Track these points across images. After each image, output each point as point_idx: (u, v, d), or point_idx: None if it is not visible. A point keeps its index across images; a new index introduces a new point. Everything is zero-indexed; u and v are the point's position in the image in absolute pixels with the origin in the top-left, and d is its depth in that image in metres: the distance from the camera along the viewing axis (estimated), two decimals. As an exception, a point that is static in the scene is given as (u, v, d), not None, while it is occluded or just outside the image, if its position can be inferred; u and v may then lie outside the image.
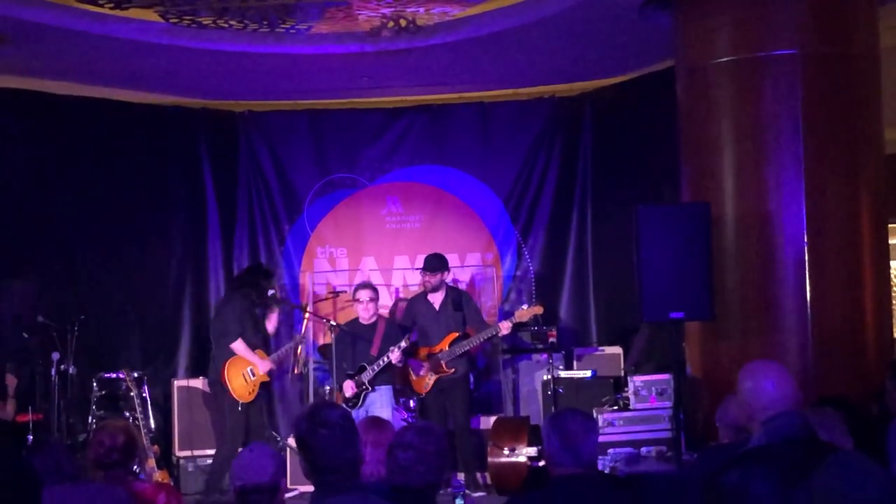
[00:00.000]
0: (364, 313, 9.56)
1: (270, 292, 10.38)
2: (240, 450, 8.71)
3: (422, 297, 9.73)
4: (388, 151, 11.59)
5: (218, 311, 9.59)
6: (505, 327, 9.42)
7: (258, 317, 9.42)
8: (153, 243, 11.15)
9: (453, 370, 9.41)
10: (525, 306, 9.65)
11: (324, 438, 3.38)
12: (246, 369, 9.13)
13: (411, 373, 9.62)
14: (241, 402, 9.09)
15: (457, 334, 9.49)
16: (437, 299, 9.63)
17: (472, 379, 9.89)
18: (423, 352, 9.55)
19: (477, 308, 9.93)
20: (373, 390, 9.39)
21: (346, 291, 10.67)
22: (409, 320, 9.76)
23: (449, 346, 9.44)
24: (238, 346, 9.12)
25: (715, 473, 3.51)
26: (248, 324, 9.24)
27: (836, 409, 4.58)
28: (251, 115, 11.60)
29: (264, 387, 9.48)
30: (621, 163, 10.92)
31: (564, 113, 11.45)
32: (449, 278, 10.04)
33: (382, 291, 11.31)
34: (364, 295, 9.59)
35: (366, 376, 9.33)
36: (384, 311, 10.90)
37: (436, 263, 9.64)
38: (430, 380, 9.44)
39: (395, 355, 9.22)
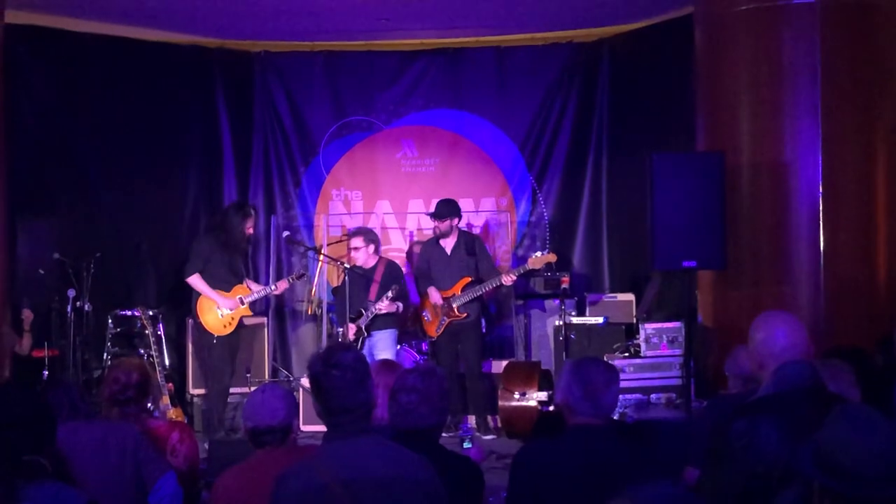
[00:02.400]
0: (358, 259, 9.61)
1: (285, 234, 10.44)
2: (227, 385, 8.94)
3: (434, 241, 9.75)
4: (403, 95, 11.55)
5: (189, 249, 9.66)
6: (508, 279, 9.45)
7: (229, 255, 9.37)
8: (169, 182, 11.16)
9: (465, 314, 9.45)
10: (538, 253, 9.67)
11: (336, 380, 3.41)
12: (216, 304, 9.18)
13: (423, 316, 9.67)
14: (216, 335, 9.15)
15: (469, 279, 9.52)
16: (448, 244, 9.65)
17: (483, 323, 9.93)
18: (436, 294, 9.55)
19: (489, 254, 9.95)
20: (369, 335, 9.43)
21: (348, 236, 10.69)
22: (423, 264, 9.79)
23: (461, 291, 9.47)
24: (193, 280, 9.20)
25: (723, 422, 3.54)
26: (214, 261, 9.24)
27: (844, 360, 4.59)
28: (267, 55, 11.56)
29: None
30: (638, 110, 10.87)
31: (582, 58, 11.38)
32: (463, 223, 10.04)
33: (397, 235, 11.35)
34: (354, 242, 9.66)
35: (363, 321, 9.38)
36: (398, 255, 10.94)
37: (443, 210, 9.64)
38: (443, 323, 9.49)
39: (382, 305, 9.28)
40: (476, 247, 9.72)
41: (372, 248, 9.70)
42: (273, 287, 9.60)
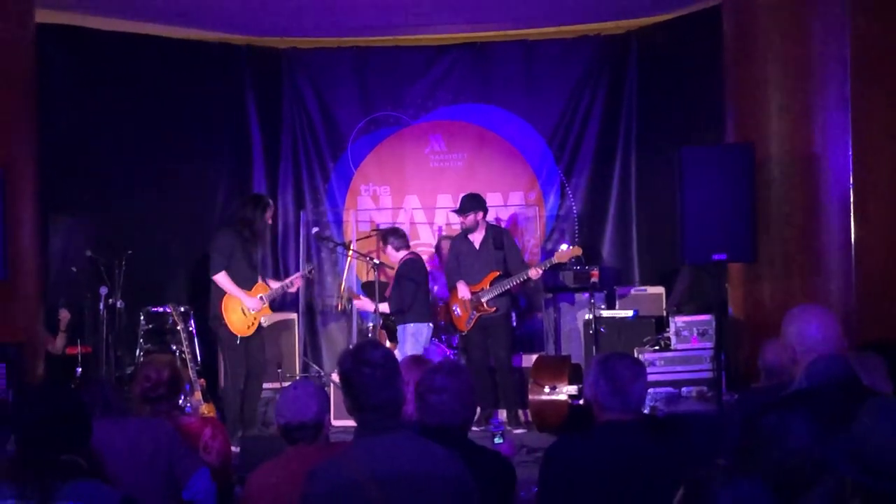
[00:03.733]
0: (392, 261, 9.63)
1: (314, 231, 10.42)
2: (241, 388, 8.82)
3: (463, 236, 9.75)
4: (431, 89, 11.57)
5: (209, 245, 9.20)
6: (534, 273, 9.42)
7: (249, 251, 8.98)
8: (199, 179, 11.23)
9: (494, 308, 9.45)
10: (564, 247, 9.65)
11: (367, 377, 3.43)
12: (243, 303, 8.87)
13: (453, 310, 9.68)
14: (238, 336, 8.81)
15: (497, 273, 9.51)
16: (477, 239, 9.65)
17: (514, 317, 9.93)
18: (468, 289, 9.54)
19: (517, 248, 9.90)
20: (401, 325, 9.51)
21: (394, 225, 10.70)
22: (452, 259, 9.79)
23: (490, 285, 9.47)
24: (220, 278, 8.80)
25: (754, 415, 3.53)
26: (236, 258, 8.85)
27: (877, 353, 4.56)
28: (295, 52, 11.61)
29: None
30: (666, 102, 10.83)
31: (610, 51, 11.36)
32: (491, 217, 10.02)
33: (425, 229, 11.37)
34: (384, 248, 9.65)
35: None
36: (427, 250, 10.95)
37: (466, 204, 9.62)
38: (472, 317, 9.49)
39: (358, 303, 9.61)
40: (504, 240, 9.70)
41: (389, 247, 9.66)
42: (289, 283, 9.34)
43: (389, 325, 9.74)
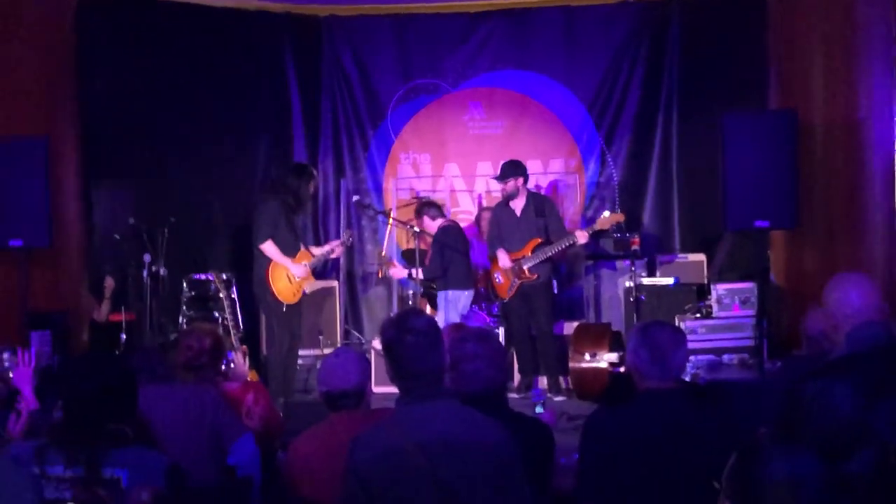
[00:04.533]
0: (430, 229, 9.63)
1: (355, 198, 10.44)
2: (285, 354, 8.88)
3: (504, 203, 9.70)
4: (470, 56, 11.52)
5: (255, 214, 9.16)
6: (581, 236, 9.34)
7: (293, 220, 8.98)
8: (240, 147, 11.27)
9: (535, 276, 9.43)
10: (606, 213, 9.59)
11: (410, 345, 3.45)
12: (289, 270, 8.89)
13: (495, 278, 9.67)
14: (285, 303, 8.84)
15: (539, 240, 9.47)
16: (518, 206, 9.60)
17: (555, 284, 9.90)
18: (508, 257, 9.52)
19: (559, 215, 9.84)
20: (439, 291, 9.54)
21: (428, 197, 10.70)
22: (494, 227, 9.76)
23: (531, 253, 9.45)
24: (267, 247, 8.80)
25: (796, 383, 3.52)
26: (281, 227, 8.84)
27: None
28: (335, 19, 11.59)
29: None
30: (708, 68, 10.72)
31: (651, 17, 11.25)
32: (531, 185, 9.98)
33: (465, 197, 11.36)
34: (417, 225, 9.64)
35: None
36: (467, 218, 10.95)
37: (507, 170, 9.55)
38: (514, 285, 9.48)
39: (393, 271, 9.67)
40: (546, 207, 9.64)
41: (426, 218, 9.66)
42: (329, 251, 9.34)
43: (430, 293, 9.77)
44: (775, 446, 2.50)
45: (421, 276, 9.41)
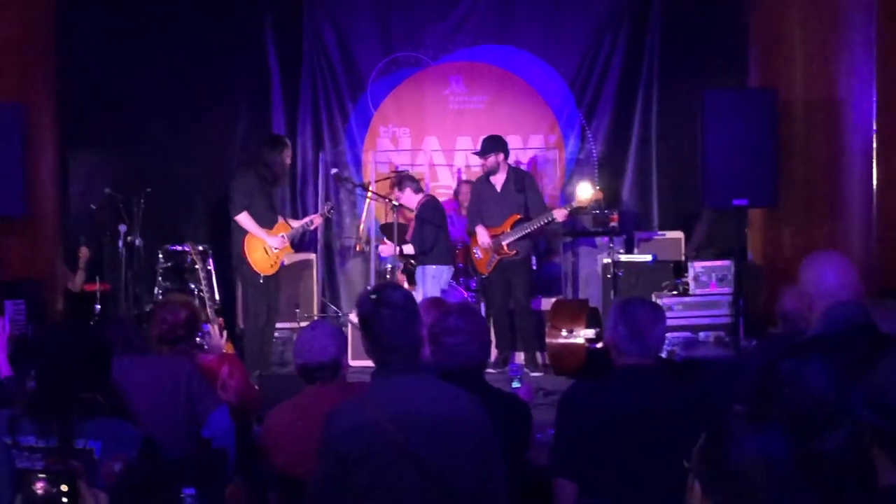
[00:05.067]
0: (409, 204, 9.60)
1: (333, 171, 10.40)
2: (263, 327, 8.86)
3: (484, 178, 9.68)
4: (452, 30, 11.48)
5: (230, 186, 9.12)
6: (560, 214, 9.33)
7: (269, 191, 8.96)
8: (218, 118, 11.22)
9: (514, 252, 9.42)
10: (589, 191, 9.55)
11: (386, 319, 3.44)
12: (265, 242, 8.86)
13: (474, 253, 9.66)
14: (261, 274, 8.82)
15: (518, 216, 9.45)
16: (498, 181, 9.58)
17: (534, 260, 9.90)
18: (487, 233, 9.49)
19: (539, 191, 9.82)
20: (416, 267, 9.51)
21: (407, 171, 10.66)
22: (474, 202, 9.74)
23: (510, 229, 9.44)
24: (242, 218, 8.78)
25: (771, 361, 3.53)
26: (257, 198, 8.82)
27: (897, 300, 4.54)
28: (316, -10, 11.54)
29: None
30: (689, 45, 10.72)
31: (633, -7, 11.26)
32: (511, 160, 9.96)
33: (444, 172, 11.34)
34: (396, 194, 9.60)
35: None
36: (446, 192, 10.93)
37: (487, 146, 9.52)
38: (493, 260, 9.48)
39: (382, 248, 9.43)
40: (526, 183, 9.61)
41: (408, 190, 9.60)
42: (308, 222, 9.35)
43: (410, 269, 9.75)
44: (744, 425, 2.50)
45: (411, 250, 9.40)
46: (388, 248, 9.58)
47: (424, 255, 9.42)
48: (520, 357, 9.59)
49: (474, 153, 9.98)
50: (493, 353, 9.51)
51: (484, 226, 9.51)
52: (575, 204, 9.45)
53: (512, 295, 9.56)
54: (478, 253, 9.59)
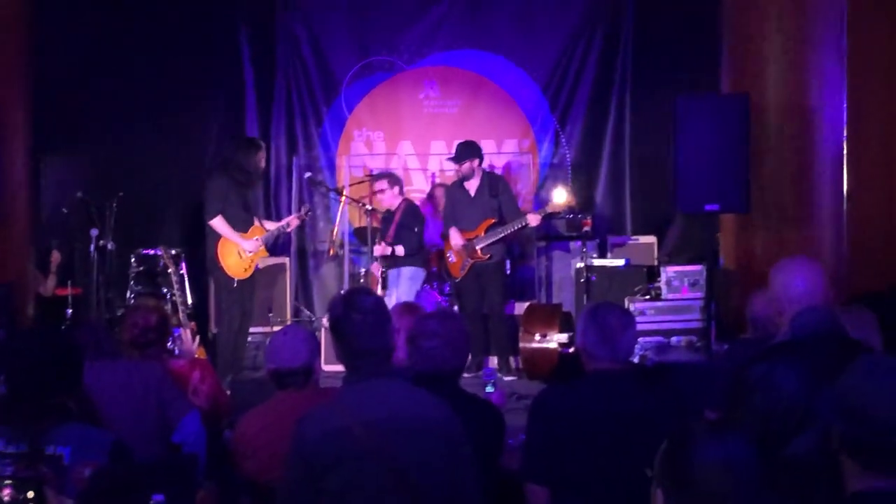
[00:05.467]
0: (383, 202, 9.62)
1: (307, 175, 10.38)
2: (236, 331, 8.81)
3: (459, 183, 9.68)
4: (426, 35, 11.48)
5: (204, 190, 9.03)
6: (533, 219, 9.32)
7: (244, 194, 8.84)
8: (192, 121, 11.17)
9: (488, 256, 9.43)
10: (562, 196, 9.54)
11: (357, 324, 3.44)
12: (239, 246, 8.77)
13: (448, 257, 9.66)
14: (235, 279, 8.74)
15: (492, 221, 9.46)
16: (472, 186, 9.59)
17: (508, 265, 9.91)
18: (461, 236, 9.50)
19: (513, 196, 9.82)
20: (385, 274, 9.48)
21: (371, 178, 10.66)
22: (448, 207, 9.75)
23: (484, 233, 9.45)
24: (216, 222, 8.68)
25: (742, 366, 3.55)
26: (231, 201, 8.73)
27: (868, 306, 4.57)
28: (290, -7, 11.52)
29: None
30: (663, 51, 10.77)
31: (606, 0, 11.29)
32: (486, 165, 9.97)
33: (418, 176, 11.33)
34: (379, 185, 9.65)
35: (378, 261, 9.45)
36: (420, 196, 10.92)
37: (462, 151, 9.53)
38: (466, 264, 9.48)
39: (376, 250, 9.32)
40: (500, 188, 9.62)
41: (396, 189, 9.67)
42: (285, 225, 9.26)
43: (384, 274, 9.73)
44: (705, 431, 2.50)
45: (401, 251, 9.39)
46: (381, 249, 9.50)
47: (391, 258, 9.43)
48: (493, 362, 9.60)
49: (449, 159, 9.98)
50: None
51: (458, 230, 9.52)
52: (549, 209, 9.47)
53: (486, 299, 9.57)
54: (451, 256, 9.60)
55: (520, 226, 9.37)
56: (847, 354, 2.82)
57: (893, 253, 7.98)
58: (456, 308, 9.65)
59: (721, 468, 2.42)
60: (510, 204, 9.60)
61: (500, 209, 9.52)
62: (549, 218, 9.74)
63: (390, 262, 9.48)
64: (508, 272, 9.94)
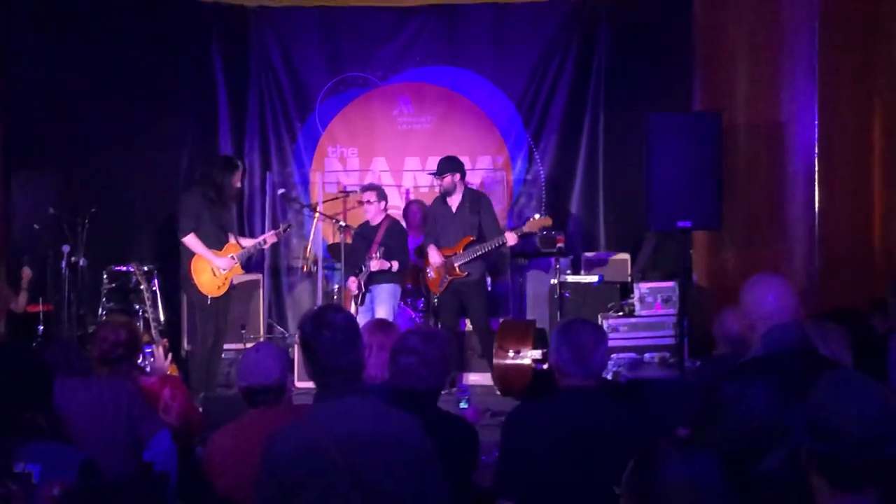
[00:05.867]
0: (368, 214, 9.62)
1: (280, 191, 10.36)
2: (209, 349, 8.76)
3: (441, 199, 9.66)
4: (400, 51, 11.51)
5: (177, 207, 9.04)
6: (511, 238, 9.26)
7: (218, 211, 8.80)
8: (164, 137, 11.13)
9: (466, 273, 9.41)
10: (536, 216, 9.54)
11: (326, 341, 3.43)
12: (212, 263, 8.73)
13: (427, 272, 9.64)
14: (209, 296, 8.71)
15: (471, 238, 9.44)
16: (454, 202, 9.56)
17: (488, 281, 9.90)
18: (439, 253, 9.49)
19: (493, 213, 9.73)
20: (368, 290, 9.46)
21: (355, 191, 10.66)
22: (431, 222, 9.73)
23: (463, 250, 9.43)
24: (189, 240, 8.66)
25: (713, 383, 3.56)
26: (205, 219, 8.70)
27: (838, 322, 4.60)
28: (263, 10, 11.50)
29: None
30: (636, 68, 10.82)
31: (580, 16, 11.33)
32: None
33: (392, 192, 11.31)
34: (368, 196, 9.64)
35: (361, 277, 9.40)
36: (395, 212, 10.91)
37: (443, 166, 9.53)
38: (445, 281, 9.47)
39: (373, 263, 9.29)
40: (482, 205, 9.58)
41: (382, 204, 9.65)
42: (262, 241, 9.23)
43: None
44: (671, 449, 2.51)
45: (396, 267, 9.37)
46: (379, 263, 9.40)
47: (387, 274, 9.41)
48: (469, 378, 9.58)
49: (430, 173, 9.97)
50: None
51: (437, 246, 9.50)
52: (525, 228, 9.42)
53: (470, 316, 9.56)
54: (430, 273, 9.58)
55: (497, 244, 9.35)
56: (817, 371, 2.83)
57: (864, 269, 8.02)
58: (430, 324, 9.63)
59: (686, 486, 2.42)
60: (490, 222, 9.55)
61: (480, 226, 9.50)
62: (525, 237, 9.72)
63: (370, 278, 9.45)
64: (490, 288, 9.94)
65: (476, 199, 9.62)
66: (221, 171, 8.82)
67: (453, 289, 9.48)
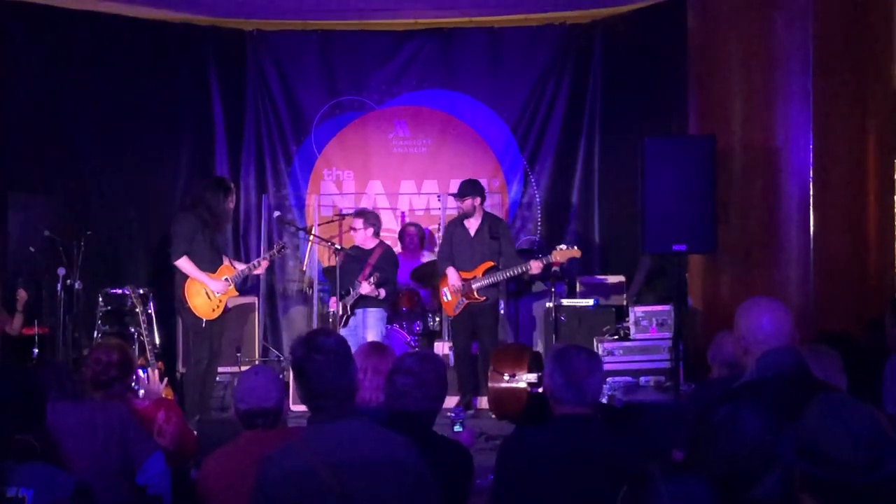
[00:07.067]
0: (355, 239, 9.59)
1: (276, 214, 10.36)
2: (204, 371, 8.72)
3: (458, 221, 9.64)
4: (396, 75, 11.55)
5: (171, 229, 8.96)
6: (535, 266, 9.21)
7: (211, 234, 8.77)
8: (161, 160, 11.15)
9: (484, 298, 9.40)
10: (563, 246, 9.40)
11: (318, 364, 3.42)
12: (206, 286, 8.71)
13: (442, 294, 9.61)
14: (203, 319, 8.68)
15: (491, 263, 9.40)
16: (472, 225, 9.54)
17: (501, 306, 9.90)
18: (455, 276, 9.45)
19: (511, 240, 9.77)
20: (352, 314, 9.43)
21: (351, 215, 10.67)
22: (446, 244, 9.70)
23: (483, 275, 9.40)
24: (182, 263, 8.63)
25: (707, 406, 3.55)
26: (198, 241, 8.66)
27: (832, 346, 4.60)
28: (260, 34, 11.54)
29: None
30: (630, 92, 10.86)
31: (575, 40, 11.38)
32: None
33: (388, 215, 11.33)
34: (355, 223, 9.61)
35: (349, 300, 9.36)
36: (390, 236, 10.91)
37: (466, 189, 9.52)
38: (461, 304, 9.44)
39: (364, 287, 9.26)
40: (500, 230, 9.56)
41: (371, 231, 9.57)
42: (255, 264, 9.21)
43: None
44: (664, 473, 2.51)
45: (383, 295, 9.35)
46: (369, 288, 9.38)
47: (374, 300, 9.39)
48: (482, 402, 9.48)
49: (451, 194, 9.94)
50: (455, 397, 9.44)
51: (455, 268, 9.48)
52: (551, 258, 9.33)
53: (479, 339, 9.54)
54: (446, 295, 9.55)
55: (520, 271, 9.32)
56: (811, 395, 2.83)
57: (859, 293, 8.03)
58: (423, 348, 9.62)
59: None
60: (509, 248, 9.55)
61: (499, 252, 9.48)
62: (550, 268, 9.59)
63: (357, 301, 9.42)
64: (502, 312, 9.94)
65: (495, 225, 9.63)
66: (214, 193, 8.81)
67: (468, 312, 9.46)
